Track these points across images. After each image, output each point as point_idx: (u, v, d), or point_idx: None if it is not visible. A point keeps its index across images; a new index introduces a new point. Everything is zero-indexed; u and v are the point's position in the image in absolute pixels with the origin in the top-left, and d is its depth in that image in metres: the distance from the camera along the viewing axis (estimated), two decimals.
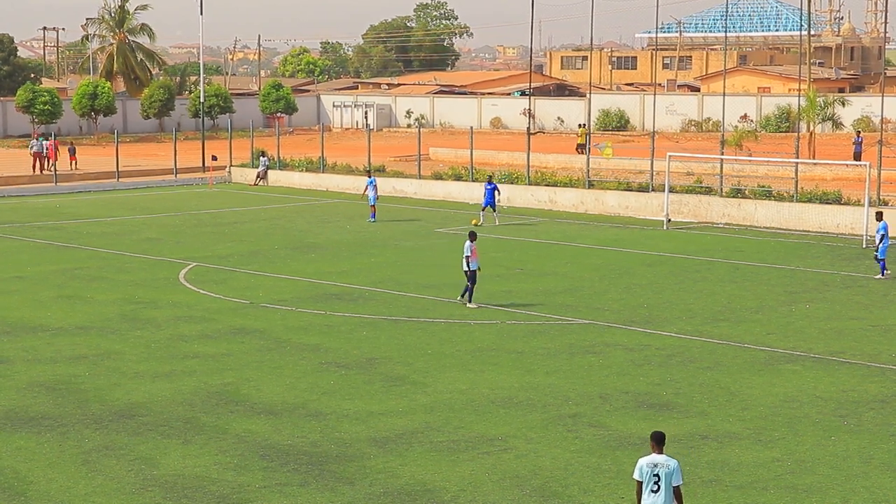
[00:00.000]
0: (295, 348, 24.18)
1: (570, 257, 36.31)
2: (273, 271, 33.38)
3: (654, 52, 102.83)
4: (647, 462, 12.94)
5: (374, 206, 44.58)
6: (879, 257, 32.00)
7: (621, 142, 74.09)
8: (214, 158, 61.60)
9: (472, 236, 28.45)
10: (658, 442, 13.02)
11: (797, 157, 47.70)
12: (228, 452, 17.67)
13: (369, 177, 46.41)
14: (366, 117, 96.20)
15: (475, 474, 16.73)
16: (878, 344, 24.62)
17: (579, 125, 75.78)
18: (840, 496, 15.92)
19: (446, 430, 18.72)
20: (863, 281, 32.01)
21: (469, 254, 27.95)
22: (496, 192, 43.16)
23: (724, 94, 54.35)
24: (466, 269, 28.05)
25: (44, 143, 64.28)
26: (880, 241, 31.88)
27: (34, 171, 62.02)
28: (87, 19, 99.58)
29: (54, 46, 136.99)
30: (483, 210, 43.17)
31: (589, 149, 51.36)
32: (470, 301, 28.14)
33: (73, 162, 65.19)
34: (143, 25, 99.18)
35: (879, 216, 32.82)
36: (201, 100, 72.41)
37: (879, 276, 32.04)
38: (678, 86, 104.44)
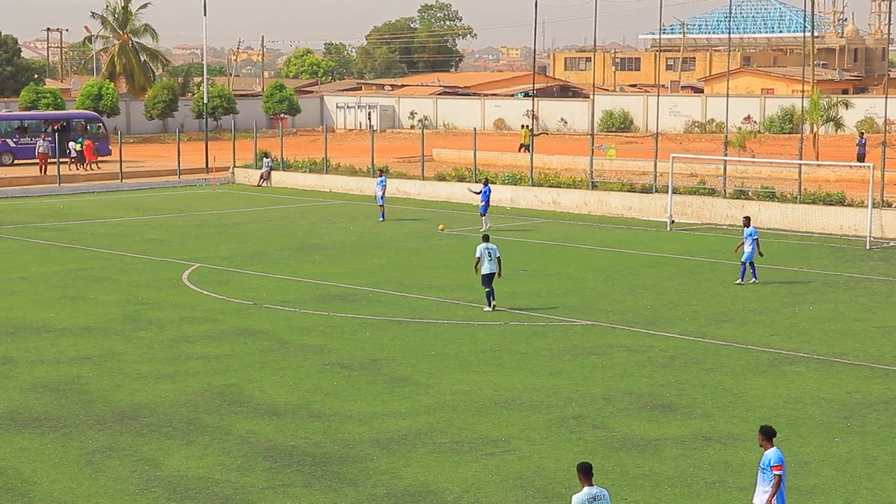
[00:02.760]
0: (298, 349, 24.19)
1: (573, 258, 36.30)
2: (276, 272, 33.40)
3: (657, 53, 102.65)
4: (586, 497, 12.48)
5: (381, 206, 44.69)
6: (745, 261, 31.22)
7: (624, 143, 74.07)
8: (214, 160, 61.75)
9: (487, 238, 28.32)
10: (586, 473, 12.62)
11: (800, 159, 47.64)
12: (232, 453, 17.68)
13: (380, 176, 46.38)
14: (369, 118, 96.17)
15: (478, 475, 16.73)
16: (882, 345, 24.61)
17: (522, 126, 76.48)
18: (843, 498, 15.92)
19: (449, 431, 18.72)
20: (866, 282, 31.99)
21: (499, 255, 27.81)
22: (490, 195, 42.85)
23: (727, 96, 54.37)
24: (497, 271, 27.65)
25: (74, 144, 64.97)
26: (749, 246, 31.05)
27: (40, 171, 62.07)
28: (91, 13, 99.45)
29: (58, 47, 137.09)
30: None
31: (592, 150, 51.32)
32: (490, 305, 27.89)
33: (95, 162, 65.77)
34: (146, 26, 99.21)
35: (747, 221, 31.88)
36: (205, 101, 72.42)
37: (739, 281, 31.29)
38: (682, 87, 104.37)
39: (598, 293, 30.37)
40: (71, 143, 65.71)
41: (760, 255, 31.47)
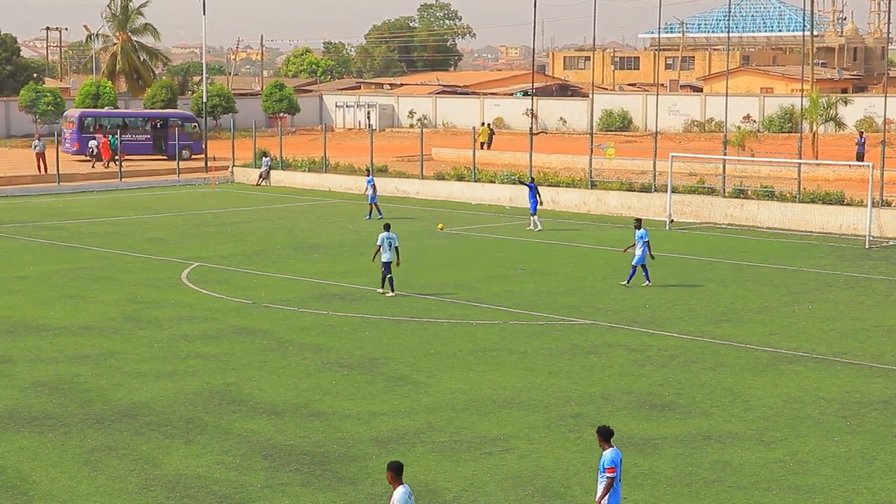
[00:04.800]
0: (297, 348, 24.19)
1: (572, 257, 36.30)
2: (275, 271, 33.39)
3: (656, 52, 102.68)
4: (406, 494, 12.59)
5: (373, 204, 44.82)
6: (635, 264, 30.62)
7: (624, 142, 74.08)
8: (214, 159, 61.92)
9: (388, 227, 30.34)
10: (399, 472, 12.73)
11: (800, 158, 47.65)
12: (231, 452, 17.68)
13: (368, 175, 46.76)
14: (368, 117, 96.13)
15: (477, 475, 16.73)
16: (881, 344, 24.61)
17: (482, 123, 76.95)
18: (843, 497, 15.92)
19: (448, 430, 18.72)
20: (865, 282, 31.99)
21: (397, 244, 29.85)
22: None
23: (726, 95, 54.33)
24: (396, 260, 29.60)
25: (93, 142, 65.53)
26: (640, 249, 30.46)
27: (39, 171, 62.10)
28: (108, 5, 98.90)
29: (57, 46, 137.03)
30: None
31: (591, 149, 51.35)
32: (384, 287, 29.74)
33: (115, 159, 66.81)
34: (146, 25, 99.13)
35: (639, 223, 31.31)
36: (204, 100, 72.38)
37: (625, 283, 30.64)
38: (681, 86, 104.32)
39: (597, 292, 30.36)
40: (92, 142, 66.15)
41: (651, 257, 31.05)
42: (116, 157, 64.76)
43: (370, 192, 45.17)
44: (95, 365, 22.84)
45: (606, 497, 13.62)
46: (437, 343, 24.61)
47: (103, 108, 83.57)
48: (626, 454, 17.55)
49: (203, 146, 66.57)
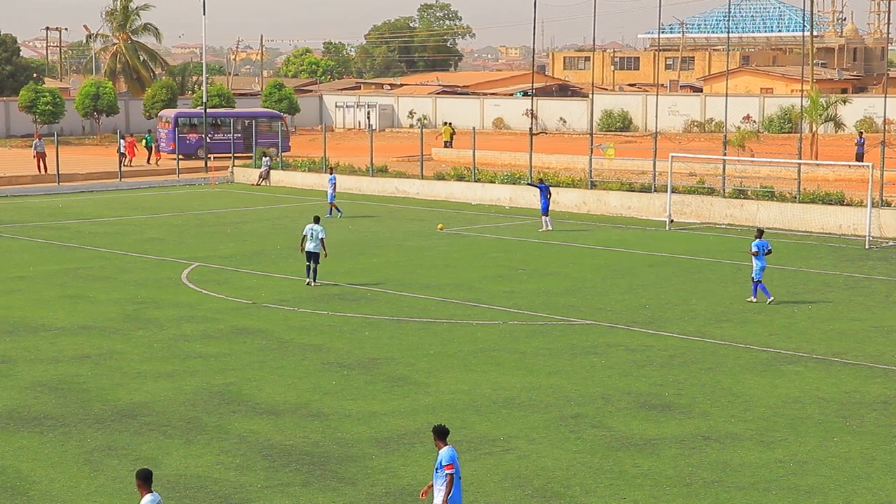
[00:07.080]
0: (297, 348, 24.19)
1: (572, 258, 36.30)
2: (275, 271, 33.39)
3: (656, 52, 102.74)
4: (156, 502, 12.71)
5: (332, 203, 45.09)
6: (756, 279, 28.55)
7: (624, 142, 74.09)
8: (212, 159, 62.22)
9: (317, 220, 31.27)
10: (147, 480, 12.82)
11: (800, 158, 47.66)
12: (230, 452, 17.68)
13: (331, 174, 47.14)
14: (368, 118, 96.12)
15: (477, 475, 16.73)
16: (881, 345, 24.61)
17: (444, 123, 77.56)
18: (842, 497, 15.93)
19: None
20: (865, 282, 31.99)
21: (322, 236, 30.69)
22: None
23: (726, 95, 54.32)
24: (323, 250, 30.52)
25: (122, 141, 66.19)
26: (760, 260, 28.45)
27: (39, 171, 62.09)
28: (110, 9, 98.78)
29: (57, 46, 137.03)
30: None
31: (591, 149, 51.35)
32: (309, 277, 30.83)
33: (158, 159, 69.28)
34: (146, 25, 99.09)
35: (760, 233, 29.22)
36: (204, 100, 72.36)
37: (763, 299, 28.69)
38: (681, 86, 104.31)
39: (596, 293, 30.37)
40: (121, 141, 66.55)
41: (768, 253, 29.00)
42: (153, 157, 66.26)
43: (330, 190, 45.53)
44: (95, 365, 22.84)
45: (449, 494, 13.72)
46: (436, 343, 24.62)
47: (102, 107, 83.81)
48: (626, 455, 17.60)
49: (289, 144, 68.37)
